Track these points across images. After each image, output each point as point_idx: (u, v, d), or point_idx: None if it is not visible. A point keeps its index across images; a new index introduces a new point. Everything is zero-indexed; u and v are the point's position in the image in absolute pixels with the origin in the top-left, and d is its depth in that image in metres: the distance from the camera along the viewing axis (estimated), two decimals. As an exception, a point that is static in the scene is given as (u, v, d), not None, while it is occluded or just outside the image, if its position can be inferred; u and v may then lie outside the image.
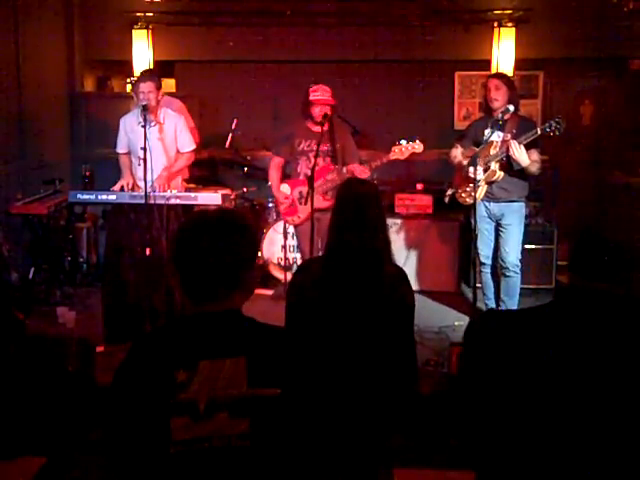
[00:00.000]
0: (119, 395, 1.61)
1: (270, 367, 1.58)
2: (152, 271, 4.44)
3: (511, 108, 4.55)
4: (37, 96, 6.19)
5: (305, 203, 4.76)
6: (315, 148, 4.66)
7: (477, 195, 4.59)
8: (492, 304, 4.97)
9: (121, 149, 4.86)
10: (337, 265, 2.53)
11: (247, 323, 1.68)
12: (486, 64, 6.87)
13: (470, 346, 1.54)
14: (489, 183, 4.66)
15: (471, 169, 4.52)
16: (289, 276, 5.32)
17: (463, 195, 4.76)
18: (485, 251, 4.90)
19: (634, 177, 5.61)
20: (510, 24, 6.74)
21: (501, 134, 4.59)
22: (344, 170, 4.77)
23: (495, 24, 6.77)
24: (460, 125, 7.24)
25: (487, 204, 4.75)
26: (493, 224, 4.83)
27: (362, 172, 4.68)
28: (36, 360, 3.50)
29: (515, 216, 4.72)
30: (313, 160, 4.61)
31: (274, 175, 5.05)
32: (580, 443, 1.37)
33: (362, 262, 2.51)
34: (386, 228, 2.75)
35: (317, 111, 4.74)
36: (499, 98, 4.61)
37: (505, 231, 4.76)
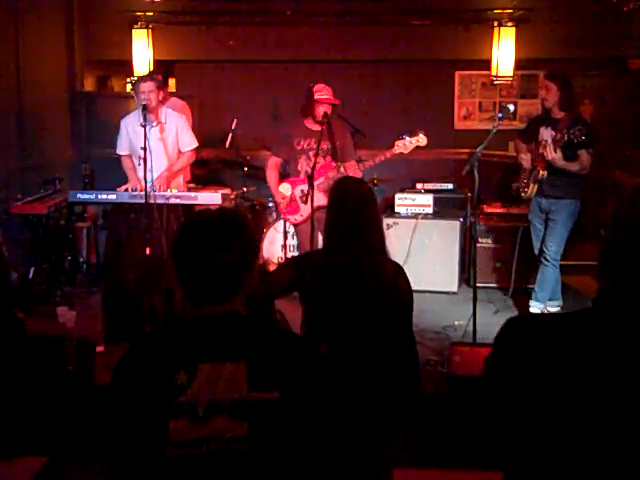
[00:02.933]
0: (117, 396, 1.60)
1: (270, 371, 1.56)
2: (152, 271, 4.44)
3: (511, 108, 4.62)
4: (37, 96, 6.18)
5: (306, 202, 4.76)
6: (315, 147, 4.68)
7: (529, 191, 4.86)
8: (539, 303, 5.03)
9: (121, 151, 4.84)
10: (335, 264, 2.54)
11: (248, 325, 1.66)
12: (486, 64, 6.87)
13: (502, 347, 1.51)
14: (536, 182, 4.81)
15: (523, 155, 4.84)
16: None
17: (520, 190, 4.95)
18: (539, 246, 5.05)
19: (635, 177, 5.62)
20: (510, 24, 6.74)
21: (554, 133, 4.68)
22: (342, 169, 4.80)
23: (495, 24, 6.77)
24: (460, 125, 7.26)
25: (539, 199, 4.91)
26: (544, 218, 4.96)
27: (355, 171, 4.73)
28: (36, 360, 3.50)
29: (562, 213, 4.82)
30: (316, 158, 4.63)
31: (272, 175, 5.06)
32: (615, 451, 1.36)
33: (359, 260, 2.52)
34: (381, 225, 2.76)
35: (320, 110, 4.76)
36: (549, 98, 4.72)
37: (551, 225, 4.89)
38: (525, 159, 4.84)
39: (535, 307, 5.03)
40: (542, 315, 1.51)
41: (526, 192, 4.88)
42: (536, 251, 5.09)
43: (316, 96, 4.77)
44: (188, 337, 1.62)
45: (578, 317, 1.47)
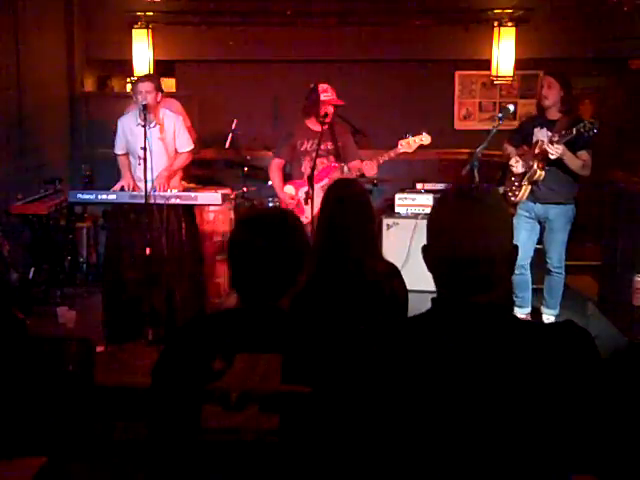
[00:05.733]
0: (158, 377, 1.66)
1: (306, 366, 1.58)
2: (152, 271, 4.44)
3: (511, 108, 4.56)
4: (37, 96, 6.18)
5: (310, 203, 4.75)
6: (321, 147, 4.67)
7: (520, 195, 4.63)
8: (522, 303, 4.91)
9: (119, 150, 4.84)
10: (326, 266, 2.54)
11: (288, 319, 1.69)
12: (486, 64, 6.87)
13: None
14: (532, 183, 4.63)
15: (512, 161, 4.62)
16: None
17: (509, 194, 4.70)
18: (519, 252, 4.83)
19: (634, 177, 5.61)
20: (510, 24, 6.74)
21: (549, 133, 4.55)
22: (346, 169, 4.78)
23: (495, 24, 6.77)
24: (460, 125, 7.26)
25: (531, 205, 4.69)
26: (535, 225, 4.77)
27: (370, 169, 4.68)
28: (36, 360, 3.50)
29: (561, 219, 4.67)
30: (316, 160, 4.61)
31: (276, 177, 5.00)
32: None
33: (350, 263, 2.52)
34: (374, 228, 2.75)
35: (325, 111, 4.75)
36: (549, 97, 4.56)
37: (550, 233, 4.73)
38: (516, 165, 4.63)
39: (548, 314, 4.88)
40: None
41: (517, 195, 4.64)
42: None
43: (322, 97, 4.74)
44: (229, 326, 1.66)
45: (420, 320, 1.49)
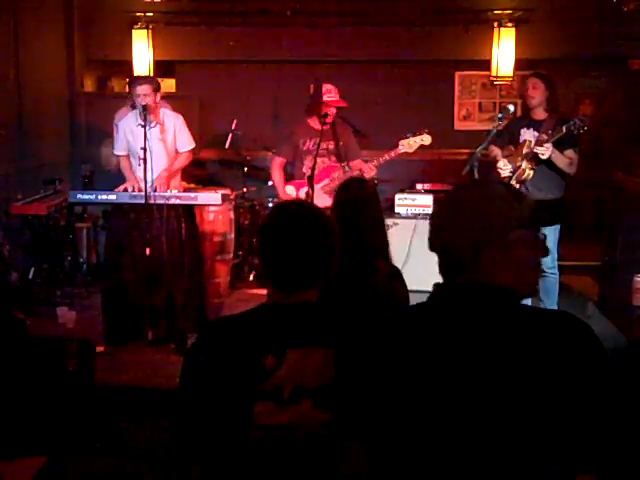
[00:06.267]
0: (201, 376, 1.60)
1: (358, 359, 1.56)
2: (152, 271, 4.44)
3: (511, 108, 4.55)
4: (37, 96, 6.19)
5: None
6: (322, 147, 4.67)
7: None
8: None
9: (120, 151, 4.82)
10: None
11: (338, 313, 1.70)
12: (486, 64, 6.87)
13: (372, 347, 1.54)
14: (520, 182, 4.62)
15: (501, 164, 4.60)
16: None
17: None
18: None
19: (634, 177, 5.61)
20: (510, 24, 6.74)
21: (536, 134, 4.58)
22: (347, 168, 4.77)
23: (495, 24, 6.78)
24: (460, 125, 7.26)
25: None
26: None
27: (369, 170, 4.68)
28: (36, 360, 3.50)
29: (550, 219, 4.65)
30: (316, 159, 4.61)
31: (277, 176, 5.00)
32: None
33: (360, 263, 2.52)
34: (384, 228, 2.76)
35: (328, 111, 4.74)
36: (535, 97, 4.60)
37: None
38: (504, 169, 4.63)
39: None
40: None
41: None
42: None
43: (325, 98, 4.74)
44: (276, 322, 1.64)
45: (425, 308, 1.57)
